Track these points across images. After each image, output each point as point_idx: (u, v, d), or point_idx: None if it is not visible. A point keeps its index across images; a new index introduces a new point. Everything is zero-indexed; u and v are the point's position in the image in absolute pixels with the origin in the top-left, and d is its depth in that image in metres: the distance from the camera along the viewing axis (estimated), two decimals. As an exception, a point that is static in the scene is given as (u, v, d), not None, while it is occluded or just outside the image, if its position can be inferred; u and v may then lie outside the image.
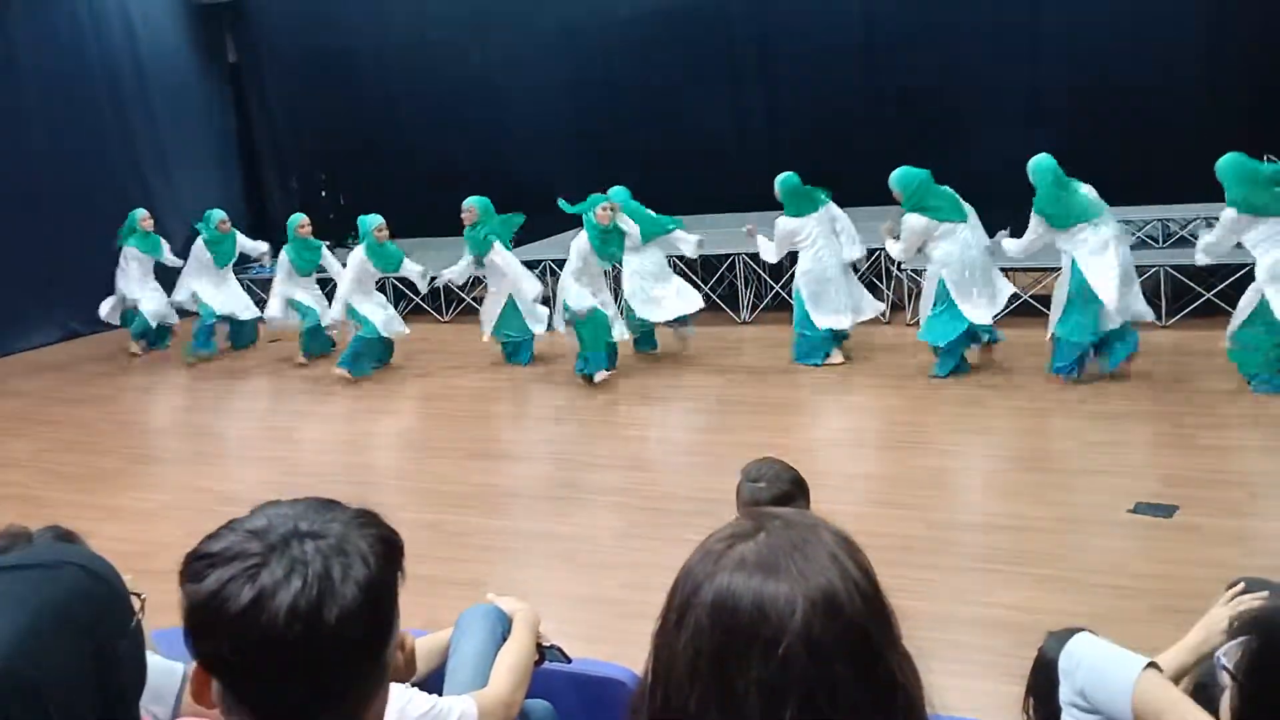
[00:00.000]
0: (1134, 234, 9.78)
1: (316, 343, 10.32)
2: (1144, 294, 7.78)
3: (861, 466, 6.46)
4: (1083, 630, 2.62)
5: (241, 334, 11.25)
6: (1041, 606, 4.45)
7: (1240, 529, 5.08)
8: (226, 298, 10.96)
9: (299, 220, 10.27)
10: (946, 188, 7.95)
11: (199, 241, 10.93)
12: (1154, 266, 8.93)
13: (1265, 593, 2.00)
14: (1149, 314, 7.72)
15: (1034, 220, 7.51)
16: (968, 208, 7.93)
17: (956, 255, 7.82)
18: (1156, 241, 9.91)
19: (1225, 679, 1.68)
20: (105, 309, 11.28)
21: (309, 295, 10.33)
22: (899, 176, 8.03)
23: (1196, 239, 8.61)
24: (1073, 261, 7.40)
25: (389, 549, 1.22)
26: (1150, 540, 5.10)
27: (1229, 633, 1.76)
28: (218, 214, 10.96)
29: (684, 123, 12.28)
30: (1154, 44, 10.27)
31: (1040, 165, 7.49)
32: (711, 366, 9.05)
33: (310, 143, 14.44)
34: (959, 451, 6.56)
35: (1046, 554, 5.08)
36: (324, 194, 13.85)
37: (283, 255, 10.21)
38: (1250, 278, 7.10)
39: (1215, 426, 6.49)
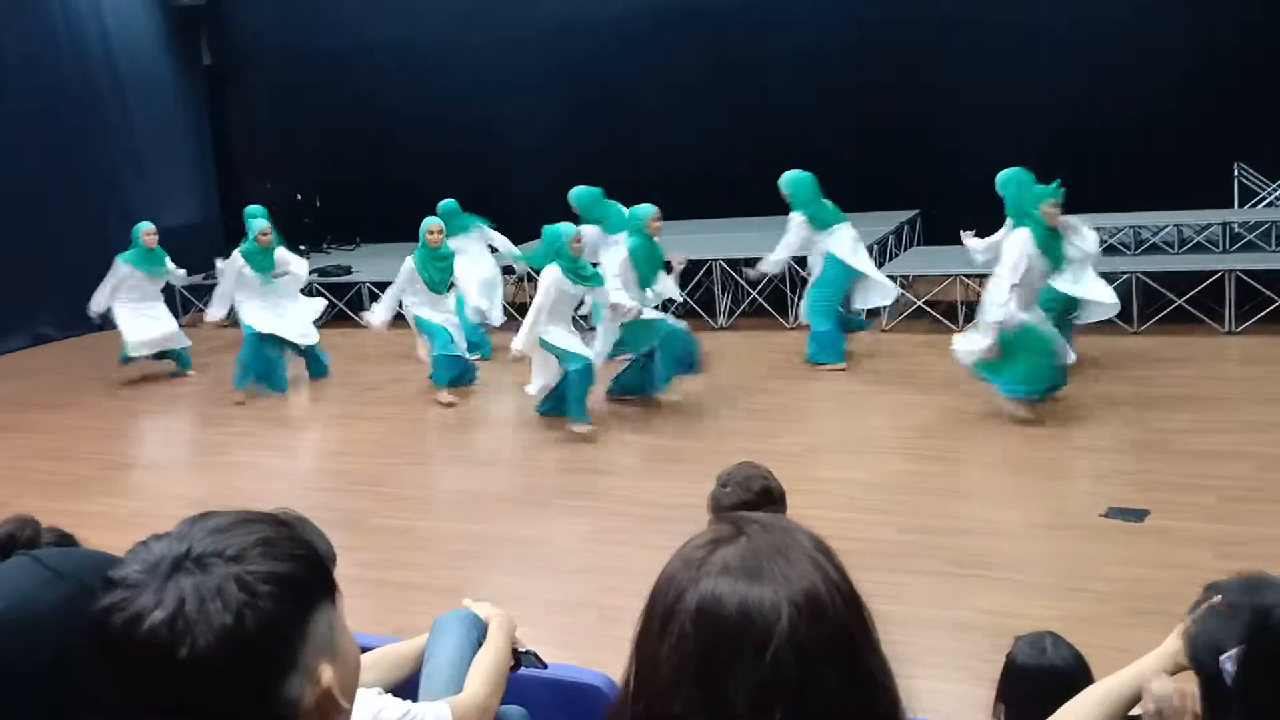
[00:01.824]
0: (1106, 241, 9.85)
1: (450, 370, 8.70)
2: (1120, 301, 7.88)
3: (837, 471, 6.48)
4: (1049, 634, 2.65)
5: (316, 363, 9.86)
6: (1015, 610, 4.48)
7: (1211, 533, 5.12)
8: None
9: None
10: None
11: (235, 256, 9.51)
12: (1125, 273, 9.00)
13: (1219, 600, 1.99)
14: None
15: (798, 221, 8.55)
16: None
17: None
18: (1129, 248, 10.00)
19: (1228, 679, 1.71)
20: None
21: (439, 313, 8.82)
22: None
23: (1169, 246, 8.70)
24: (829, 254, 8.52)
25: (282, 584, 1.12)
26: (1122, 544, 5.14)
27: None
28: (259, 221, 9.54)
29: (672, 126, 12.27)
30: (1131, 62, 10.36)
31: (795, 178, 8.55)
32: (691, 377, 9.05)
33: (286, 146, 14.38)
34: (933, 456, 6.59)
35: (1020, 558, 5.11)
36: (299, 197, 13.81)
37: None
38: (1222, 283, 7.18)
39: (1186, 431, 6.54)
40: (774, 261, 8.91)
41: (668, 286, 8.42)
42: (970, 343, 7.08)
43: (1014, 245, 6.80)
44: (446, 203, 10.01)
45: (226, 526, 1.16)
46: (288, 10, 13.97)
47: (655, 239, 7.81)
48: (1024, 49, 10.74)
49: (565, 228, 7.47)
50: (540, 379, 7.57)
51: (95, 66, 13.14)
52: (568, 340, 7.47)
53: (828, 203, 8.62)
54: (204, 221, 14.12)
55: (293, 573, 1.14)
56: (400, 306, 8.89)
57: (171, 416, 9.41)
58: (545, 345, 7.41)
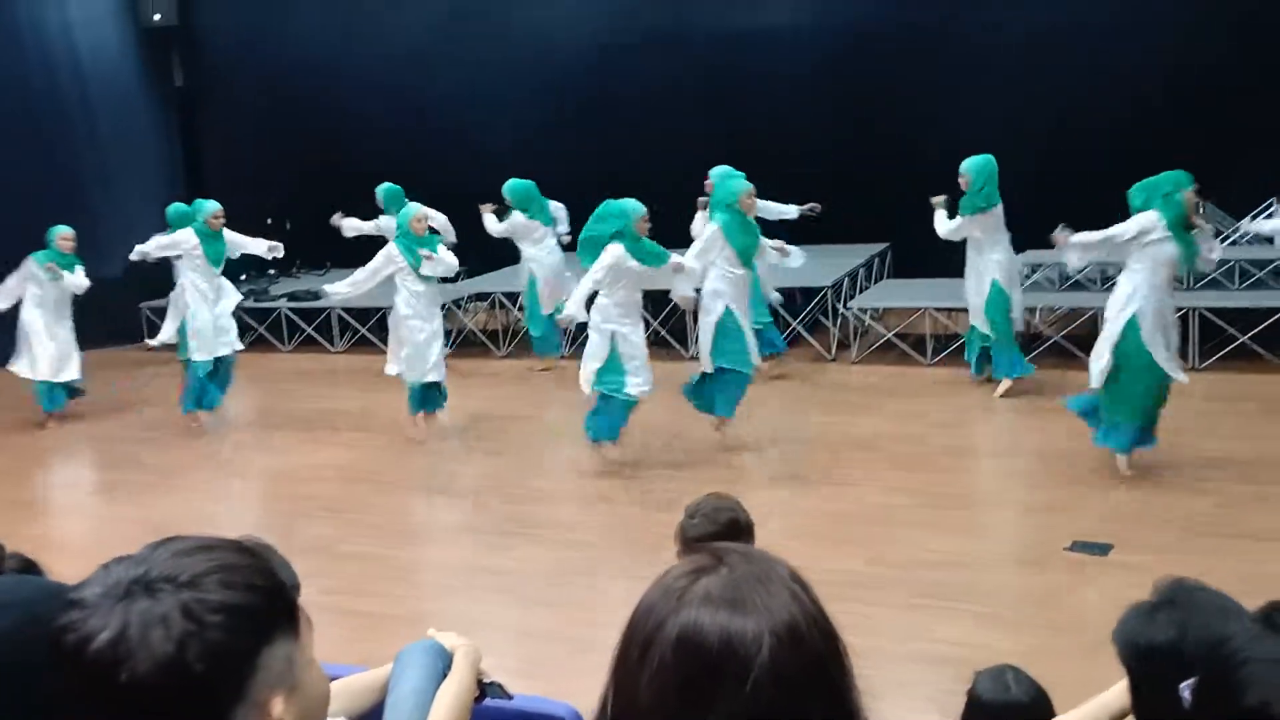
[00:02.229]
0: (1072, 277, 9.96)
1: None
2: (1079, 337, 7.95)
3: (806, 502, 6.49)
4: (1010, 668, 2.66)
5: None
6: (981, 642, 4.49)
7: (1172, 566, 5.13)
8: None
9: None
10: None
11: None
12: (1091, 309, 9.10)
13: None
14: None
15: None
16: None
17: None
18: (1095, 284, 10.10)
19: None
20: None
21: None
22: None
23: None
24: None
25: (234, 614, 1.11)
26: (1087, 578, 5.18)
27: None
28: (210, 204, 9.11)
29: (645, 152, 12.31)
30: (1095, 103, 10.50)
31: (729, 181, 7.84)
32: (657, 402, 9.05)
33: (257, 168, 14.30)
34: (901, 488, 6.61)
35: (985, 591, 5.14)
36: (269, 220, 13.73)
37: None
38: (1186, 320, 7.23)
39: (1149, 466, 6.60)
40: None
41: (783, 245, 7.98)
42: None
43: (1141, 222, 6.30)
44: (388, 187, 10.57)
45: (187, 552, 1.15)
46: (261, 32, 13.93)
47: (748, 215, 7.59)
48: (989, 88, 10.86)
49: (632, 205, 7.14)
50: (592, 362, 7.26)
51: (64, 86, 13.03)
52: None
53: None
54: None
55: (247, 603, 1.13)
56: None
57: (125, 443, 9.21)
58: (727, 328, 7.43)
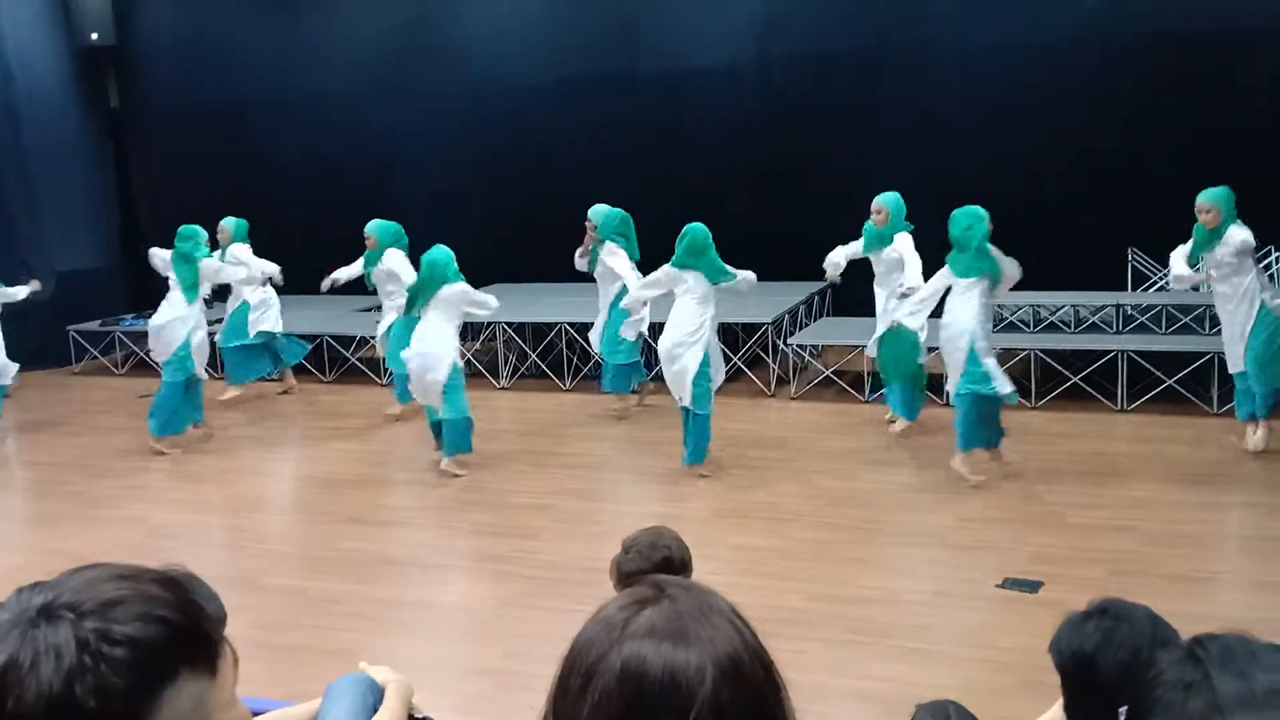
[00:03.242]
0: (1006, 318, 10.15)
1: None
2: (1014, 377, 8.05)
3: (742, 538, 6.50)
4: (951, 703, 2.67)
5: None
6: (913, 679, 4.51)
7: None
8: None
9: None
10: None
11: None
12: (1024, 350, 9.27)
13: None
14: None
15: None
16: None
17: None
18: (1028, 326, 10.29)
19: None
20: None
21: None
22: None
23: (1066, 325, 8.93)
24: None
25: (137, 649, 1.05)
26: (1017, 615, 5.23)
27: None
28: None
29: (582, 192, 12.31)
30: (1031, 146, 10.73)
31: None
32: (599, 435, 9.04)
33: (193, 192, 14.09)
34: (836, 524, 6.65)
35: (918, 627, 5.17)
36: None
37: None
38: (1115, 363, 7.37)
39: (1081, 505, 6.71)
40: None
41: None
42: None
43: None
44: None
45: (100, 580, 1.10)
46: (198, 56, 13.76)
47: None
48: (927, 128, 11.06)
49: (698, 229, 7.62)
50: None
51: (-7, 104, 12.76)
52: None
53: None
54: (104, 267, 13.70)
55: (154, 637, 1.07)
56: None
57: (48, 469, 8.99)
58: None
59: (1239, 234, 7.30)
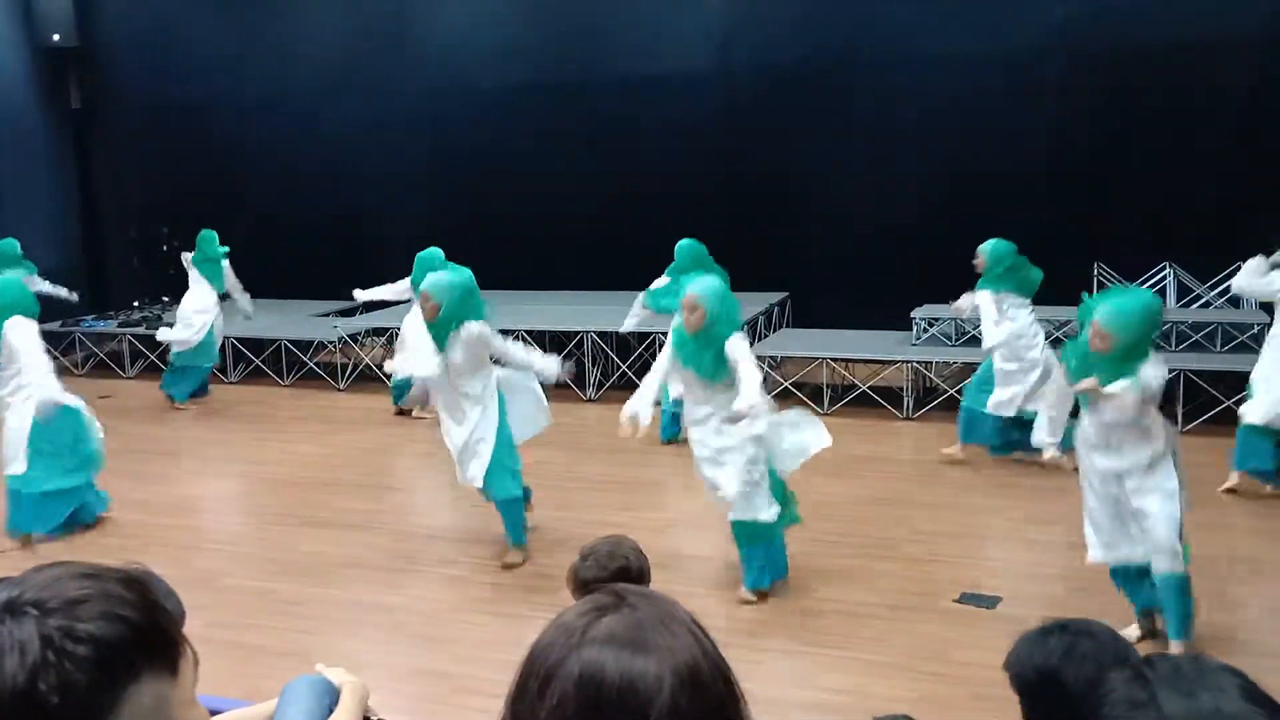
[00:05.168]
0: (969, 333, 10.21)
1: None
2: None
3: (697, 548, 6.51)
4: (905, 717, 2.70)
5: None
6: (868, 690, 4.55)
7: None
8: None
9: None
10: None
11: None
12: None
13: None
14: None
15: None
16: None
17: None
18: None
19: None
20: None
21: None
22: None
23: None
24: None
25: (99, 647, 1.06)
26: (973, 629, 5.28)
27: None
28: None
29: (541, 197, 12.34)
30: (989, 154, 10.86)
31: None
32: (556, 443, 9.02)
33: (154, 194, 13.99)
34: (793, 536, 6.67)
35: (874, 639, 5.20)
36: (165, 248, 13.39)
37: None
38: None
39: (1041, 522, 6.77)
40: None
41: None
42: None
43: None
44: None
45: (63, 577, 1.11)
46: (159, 56, 13.66)
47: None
48: (891, 140, 11.14)
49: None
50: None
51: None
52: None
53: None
54: (65, 267, 13.49)
55: (118, 636, 1.08)
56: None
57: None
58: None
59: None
